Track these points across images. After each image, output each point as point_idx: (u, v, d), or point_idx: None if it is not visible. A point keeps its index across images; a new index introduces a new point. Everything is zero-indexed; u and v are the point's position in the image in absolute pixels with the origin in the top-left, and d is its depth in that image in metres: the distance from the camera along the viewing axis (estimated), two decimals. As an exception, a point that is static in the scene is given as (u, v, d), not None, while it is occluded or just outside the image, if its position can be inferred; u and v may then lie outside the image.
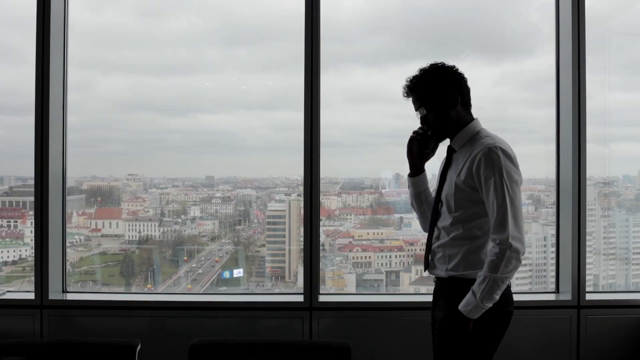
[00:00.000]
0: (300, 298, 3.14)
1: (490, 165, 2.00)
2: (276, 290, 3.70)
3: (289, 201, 3.76)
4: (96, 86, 3.62)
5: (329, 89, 3.16)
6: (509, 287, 2.12)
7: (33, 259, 3.60)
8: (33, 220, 3.61)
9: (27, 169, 3.85)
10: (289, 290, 3.66)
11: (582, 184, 3.16)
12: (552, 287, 3.56)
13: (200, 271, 3.76)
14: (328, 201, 3.69)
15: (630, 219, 3.77)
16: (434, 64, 2.16)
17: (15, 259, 3.71)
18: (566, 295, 3.21)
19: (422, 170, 2.36)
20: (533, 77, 3.65)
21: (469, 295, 2.01)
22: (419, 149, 2.28)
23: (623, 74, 3.68)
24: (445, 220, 2.18)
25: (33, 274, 3.46)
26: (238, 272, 3.74)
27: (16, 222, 3.77)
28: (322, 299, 3.14)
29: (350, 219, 3.82)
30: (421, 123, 2.21)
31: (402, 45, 3.64)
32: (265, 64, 3.63)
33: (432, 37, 3.59)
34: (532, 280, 3.68)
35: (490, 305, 1.99)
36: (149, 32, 3.63)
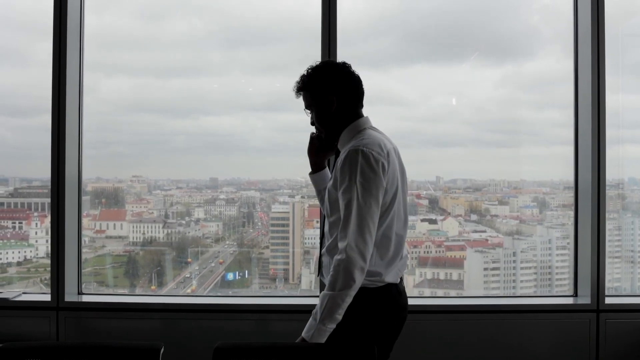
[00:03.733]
0: (315, 301, 3.17)
1: (347, 168, 1.95)
2: (286, 293, 3.74)
3: (292, 203, 3.82)
4: (100, 88, 3.68)
5: None
6: (399, 294, 2.11)
7: (38, 260, 3.69)
8: (38, 222, 3.72)
9: (32, 171, 3.95)
10: (293, 293, 3.72)
11: (601, 187, 3.19)
12: (557, 290, 3.62)
13: (204, 273, 3.82)
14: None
15: (636, 221, 3.80)
16: (322, 62, 2.19)
17: (20, 260, 3.79)
18: (585, 299, 3.25)
19: (323, 167, 2.36)
20: (534, 79, 3.70)
21: (310, 319, 1.94)
22: (318, 147, 2.31)
23: (630, 76, 3.73)
24: (325, 226, 2.16)
25: (38, 275, 3.55)
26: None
27: (21, 223, 3.85)
28: None
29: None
30: (310, 123, 2.25)
31: (403, 47, 3.69)
32: (268, 65, 3.68)
33: (433, 39, 3.64)
34: (536, 284, 3.74)
35: (333, 326, 1.90)
36: (151, 34, 3.70)
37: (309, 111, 2.22)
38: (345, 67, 2.18)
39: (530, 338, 3.17)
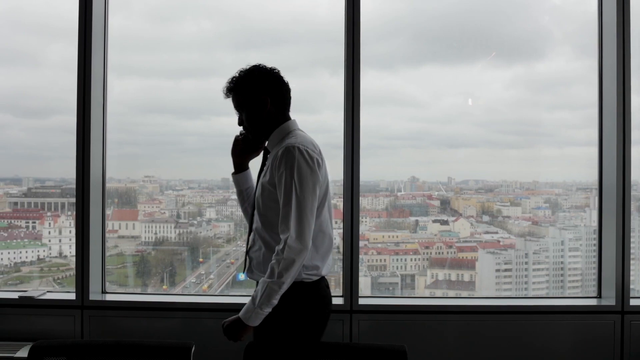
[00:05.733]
0: (340, 301, 3.23)
1: (284, 163, 2.11)
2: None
3: (304, 203, 3.89)
4: (111, 89, 3.79)
5: (340, 92, 3.27)
6: (327, 287, 2.27)
7: (51, 260, 3.80)
8: (51, 222, 3.84)
9: (45, 171, 4.07)
10: None
11: (626, 188, 3.23)
12: (570, 292, 3.67)
13: (215, 273, 3.90)
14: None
15: (649, 223, 3.85)
16: (254, 66, 2.32)
17: (34, 259, 3.89)
18: (609, 301, 3.29)
19: (246, 168, 2.51)
20: (545, 80, 3.75)
21: (248, 302, 2.10)
22: (243, 148, 2.45)
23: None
24: (257, 222, 2.29)
25: (51, 274, 3.64)
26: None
27: (34, 222, 3.96)
28: (362, 301, 3.23)
29: (366, 221, 3.88)
30: (238, 123, 2.38)
31: (413, 48, 3.76)
32: (278, 67, 3.70)
33: (443, 40, 3.70)
34: (548, 285, 3.79)
35: (269, 310, 2.06)
36: (162, 36, 3.79)
37: (237, 112, 2.36)
38: (275, 72, 2.34)
39: (553, 339, 3.21)
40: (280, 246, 2.07)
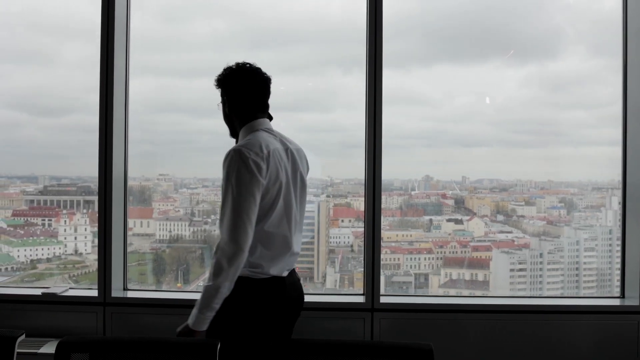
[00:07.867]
0: (361, 299, 3.30)
1: (225, 167, 2.19)
2: (310, 291, 3.87)
3: (318, 202, 3.92)
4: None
5: (353, 91, 3.36)
6: (283, 287, 2.29)
7: (67, 257, 3.92)
8: (67, 219, 3.96)
9: (61, 169, 4.19)
10: (317, 291, 3.84)
11: None
12: (585, 292, 3.72)
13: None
14: (357, 202, 3.81)
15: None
16: (237, 64, 2.40)
17: (50, 256, 4.01)
18: (633, 301, 3.33)
19: None
20: (559, 78, 3.81)
21: (194, 308, 2.16)
22: None
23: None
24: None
25: (67, 271, 3.75)
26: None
27: (50, 220, 4.08)
28: (383, 300, 3.28)
29: (379, 220, 3.99)
30: None
31: (425, 47, 3.83)
32: (290, 66, 3.77)
33: (456, 39, 3.76)
34: (563, 285, 3.84)
35: (211, 314, 2.12)
36: (175, 36, 3.88)
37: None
38: (247, 72, 2.40)
39: (575, 339, 3.25)
40: (214, 250, 2.14)
